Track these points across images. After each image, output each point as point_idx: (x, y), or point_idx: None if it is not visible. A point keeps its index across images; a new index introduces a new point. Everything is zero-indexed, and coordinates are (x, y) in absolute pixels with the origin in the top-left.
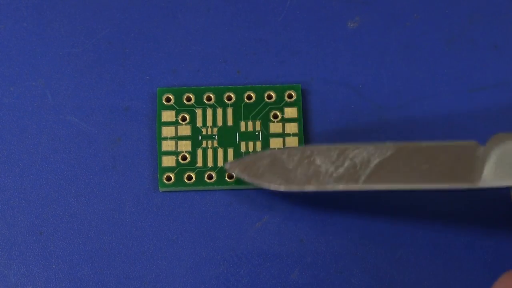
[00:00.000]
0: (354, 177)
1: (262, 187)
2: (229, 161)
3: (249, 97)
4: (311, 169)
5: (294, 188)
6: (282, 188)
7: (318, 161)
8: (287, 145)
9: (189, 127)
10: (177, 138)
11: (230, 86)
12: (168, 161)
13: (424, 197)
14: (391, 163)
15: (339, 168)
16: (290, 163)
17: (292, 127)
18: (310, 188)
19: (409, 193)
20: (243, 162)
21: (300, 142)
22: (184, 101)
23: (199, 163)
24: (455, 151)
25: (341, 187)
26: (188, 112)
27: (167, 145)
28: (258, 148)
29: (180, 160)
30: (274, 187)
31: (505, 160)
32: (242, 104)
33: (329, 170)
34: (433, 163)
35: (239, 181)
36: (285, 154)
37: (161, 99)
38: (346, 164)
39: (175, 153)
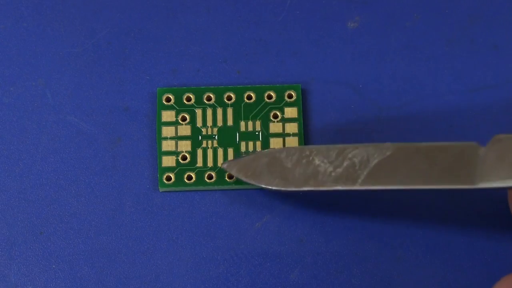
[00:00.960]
0: (353, 177)
1: (260, 187)
2: (226, 161)
3: (249, 97)
4: (309, 168)
5: (292, 188)
6: (280, 188)
7: (316, 161)
8: (287, 145)
9: (189, 127)
10: (177, 138)
11: (230, 86)
12: (168, 161)
13: (424, 197)
14: (391, 163)
15: (337, 168)
16: (289, 162)
17: (292, 127)
18: (308, 188)
19: (409, 193)
20: (240, 161)
21: (300, 142)
22: (184, 101)
23: (199, 163)
24: (455, 151)
25: (339, 187)
26: (188, 112)
27: (167, 145)
28: (258, 148)
29: (180, 160)
30: (271, 187)
31: (504, 161)
32: (242, 104)
33: (328, 170)
34: (433, 164)
35: (239, 181)
36: (283, 154)
37: (161, 99)
38: (345, 164)
39: (175, 153)
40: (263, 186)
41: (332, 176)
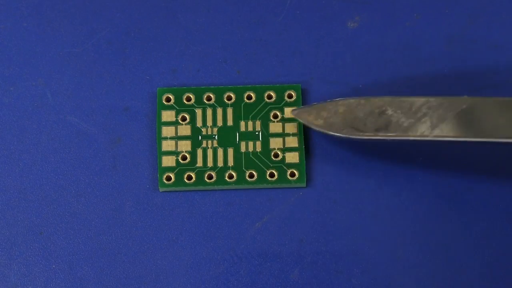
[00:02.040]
0: (425, 127)
1: (328, 134)
2: (296, 108)
3: (249, 97)
4: (382, 118)
5: (362, 136)
6: (349, 135)
7: (389, 111)
8: (287, 145)
9: (189, 127)
10: (177, 138)
11: (230, 86)
12: (168, 161)
13: (424, 197)
14: (466, 116)
15: (410, 119)
16: (361, 112)
17: (292, 127)
18: (379, 137)
19: (408, 193)
20: (311, 108)
21: (300, 142)
22: (184, 101)
23: (199, 163)
24: None
25: (412, 137)
26: (188, 112)
27: (167, 145)
28: (258, 148)
29: (180, 160)
30: (341, 134)
31: None
32: (242, 104)
33: (401, 120)
34: (509, 117)
35: (239, 181)
36: (356, 103)
37: (161, 99)
38: (418, 115)
39: (175, 153)
40: (333, 133)
41: (404, 126)
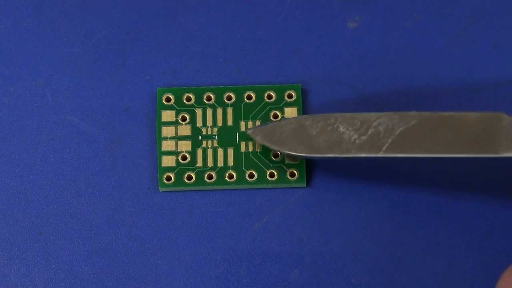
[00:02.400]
0: (377, 145)
1: (284, 153)
2: (251, 127)
3: (249, 97)
4: (334, 136)
5: (316, 154)
6: (304, 154)
7: (341, 128)
8: None
9: (189, 127)
10: (177, 138)
11: (230, 86)
12: (168, 161)
13: (424, 197)
14: (415, 132)
15: (362, 136)
16: (314, 130)
17: None
18: (333, 154)
19: (408, 193)
20: (265, 128)
21: None
22: (184, 101)
23: (199, 163)
24: (481, 120)
25: (364, 154)
26: (188, 112)
27: (167, 145)
28: (258, 148)
29: (180, 160)
30: (296, 153)
31: None
32: (242, 104)
33: (353, 138)
34: (458, 133)
35: (239, 181)
36: (308, 121)
37: (161, 99)
38: (369, 132)
39: (175, 153)
40: (288, 152)
41: (357, 143)
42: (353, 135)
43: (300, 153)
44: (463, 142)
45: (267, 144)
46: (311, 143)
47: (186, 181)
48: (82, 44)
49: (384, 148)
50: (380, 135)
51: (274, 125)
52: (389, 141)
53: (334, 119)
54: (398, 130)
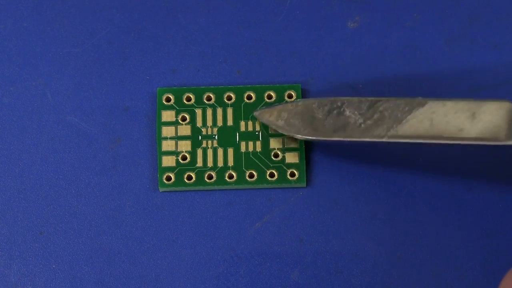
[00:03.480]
0: (382, 129)
1: (289, 135)
2: (258, 108)
3: (249, 97)
4: (340, 119)
5: (322, 137)
6: (309, 137)
7: (347, 112)
8: (287, 145)
9: (189, 127)
10: (177, 138)
11: (230, 86)
12: (168, 161)
13: (424, 198)
14: (421, 118)
15: (368, 120)
16: (320, 113)
17: None
18: (337, 138)
19: (408, 192)
20: (271, 109)
21: (300, 142)
22: (184, 101)
23: (199, 163)
24: (488, 108)
25: (368, 138)
26: (188, 112)
27: (167, 145)
28: (258, 148)
29: (180, 160)
30: (301, 135)
31: None
32: (242, 104)
33: (358, 122)
34: (465, 119)
35: (239, 181)
36: (315, 104)
37: (161, 99)
38: (375, 117)
39: (175, 153)
40: (293, 134)
41: (362, 127)
42: (359, 119)
43: (306, 135)
44: (470, 129)
45: (273, 126)
46: (317, 126)
47: (186, 181)
48: (82, 44)
49: (389, 133)
50: (385, 119)
51: (280, 107)
52: (394, 126)
53: (340, 103)
54: (404, 115)
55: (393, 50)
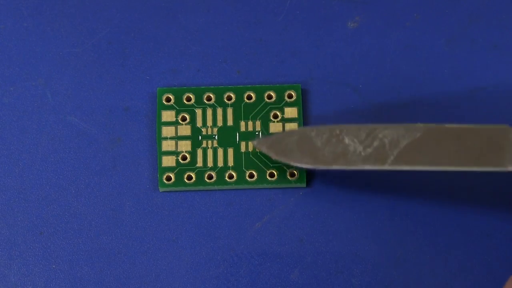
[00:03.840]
0: (382, 157)
1: (289, 164)
2: (256, 138)
3: (249, 97)
4: (339, 147)
5: (321, 166)
6: (309, 166)
7: (346, 140)
8: None
9: (189, 127)
10: (177, 138)
11: (230, 86)
12: (168, 161)
13: (424, 197)
14: (420, 145)
15: (367, 148)
16: (319, 141)
17: (292, 127)
18: (338, 166)
19: (408, 192)
20: (270, 139)
21: None
22: (184, 101)
23: (199, 163)
24: (486, 134)
25: (369, 167)
26: (188, 112)
27: (167, 145)
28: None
29: (180, 160)
30: (301, 164)
31: None
32: (242, 104)
33: (358, 150)
34: (463, 146)
35: (239, 181)
36: (313, 132)
37: (161, 99)
38: (375, 144)
39: (175, 153)
40: (293, 163)
41: (362, 155)
42: (358, 147)
43: (306, 164)
44: (469, 155)
45: (272, 155)
46: (316, 155)
47: (186, 181)
48: (82, 44)
49: (389, 160)
50: (385, 147)
51: (279, 136)
52: (395, 153)
53: (339, 131)
54: (404, 143)
55: (393, 50)
